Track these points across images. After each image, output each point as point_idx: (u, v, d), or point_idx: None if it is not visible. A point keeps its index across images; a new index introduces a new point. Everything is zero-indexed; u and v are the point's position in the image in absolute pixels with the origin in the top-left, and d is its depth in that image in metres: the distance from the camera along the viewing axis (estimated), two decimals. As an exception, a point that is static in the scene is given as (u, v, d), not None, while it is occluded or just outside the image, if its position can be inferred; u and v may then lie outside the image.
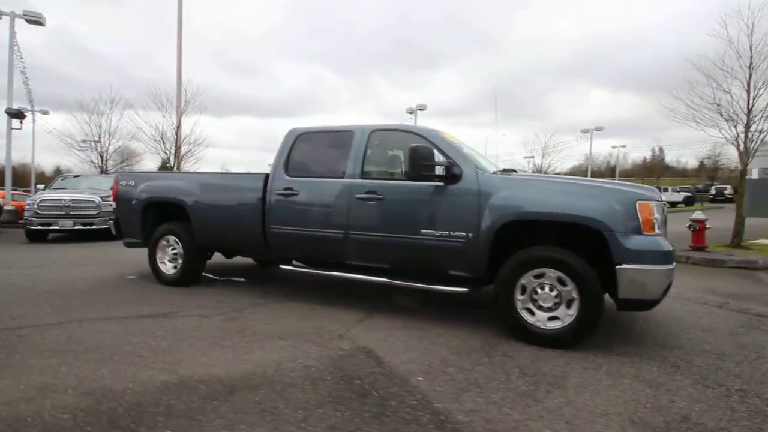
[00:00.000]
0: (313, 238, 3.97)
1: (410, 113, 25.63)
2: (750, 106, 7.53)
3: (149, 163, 22.07)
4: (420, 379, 2.53)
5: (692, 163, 58.89)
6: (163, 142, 12.69)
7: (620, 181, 3.75)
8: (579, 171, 41.44)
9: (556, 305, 3.08)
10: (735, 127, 7.73)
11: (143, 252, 5.48)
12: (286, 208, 4.10)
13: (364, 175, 3.82)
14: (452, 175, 3.42)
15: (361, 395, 2.32)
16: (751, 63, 7.39)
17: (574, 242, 3.19)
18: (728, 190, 33.48)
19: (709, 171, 41.16)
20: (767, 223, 9.48)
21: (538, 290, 3.13)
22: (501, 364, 2.77)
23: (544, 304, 3.11)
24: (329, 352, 2.91)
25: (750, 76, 7.43)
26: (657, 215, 3.00)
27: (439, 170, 3.49)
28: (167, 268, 4.93)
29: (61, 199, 9.61)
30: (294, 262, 4.31)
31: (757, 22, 7.31)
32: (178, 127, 13.07)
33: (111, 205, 9.99)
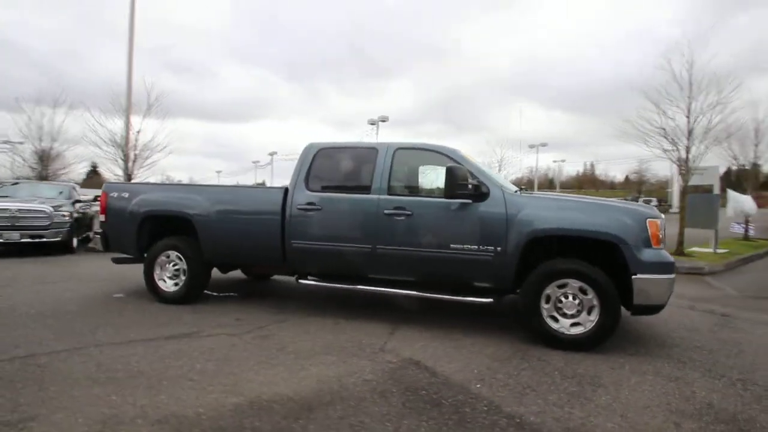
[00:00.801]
0: (338, 252, 4.01)
1: (372, 124, 26.04)
2: (690, 129, 8.69)
3: (82, 168, 20.15)
4: (478, 386, 2.70)
5: (619, 177, 65.58)
6: (121, 149, 11.77)
7: (626, 201, 4.22)
8: (522, 183, 44.26)
9: (579, 312, 3.40)
10: (677, 147, 8.86)
11: (112, 267, 5.10)
12: (309, 222, 4.11)
13: (390, 191, 3.95)
14: (480, 193, 3.66)
15: (434, 405, 2.44)
16: (690, 93, 8.57)
17: (584, 255, 3.54)
18: (654, 202, 37.44)
19: (635, 184, 46.03)
20: (699, 232, 10.84)
21: (562, 299, 3.44)
22: (541, 368, 3.03)
23: (567, 312, 3.42)
24: (380, 365, 2.99)
25: (690, 104, 8.60)
26: (662, 231, 3.45)
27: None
28: (167, 285, 4.67)
29: (7, 209, 8.60)
30: (309, 277, 4.31)
31: (695, 58, 8.51)
32: (127, 130, 12.22)
33: (64, 215, 9.42)
